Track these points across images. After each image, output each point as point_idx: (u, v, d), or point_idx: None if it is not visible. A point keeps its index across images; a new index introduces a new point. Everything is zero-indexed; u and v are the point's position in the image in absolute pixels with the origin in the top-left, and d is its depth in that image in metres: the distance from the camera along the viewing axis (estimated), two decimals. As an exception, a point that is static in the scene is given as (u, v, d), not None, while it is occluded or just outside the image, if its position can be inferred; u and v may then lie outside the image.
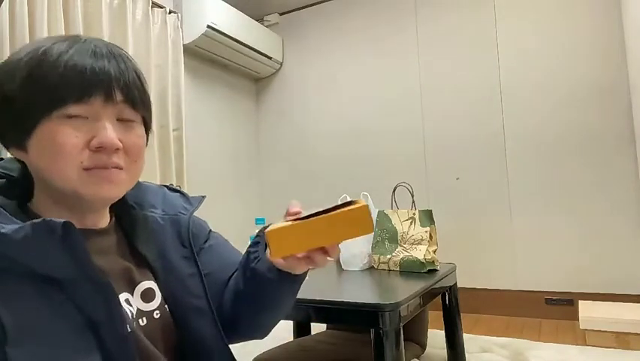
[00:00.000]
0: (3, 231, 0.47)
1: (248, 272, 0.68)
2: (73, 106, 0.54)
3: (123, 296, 0.59)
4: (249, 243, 0.72)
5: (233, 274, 0.74)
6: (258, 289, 0.68)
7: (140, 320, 0.60)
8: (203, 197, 0.77)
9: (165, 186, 0.77)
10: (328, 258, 0.61)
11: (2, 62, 0.57)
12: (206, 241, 0.76)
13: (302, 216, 0.55)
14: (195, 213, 0.76)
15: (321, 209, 0.55)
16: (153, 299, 0.64)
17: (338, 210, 0.54)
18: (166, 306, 0.65)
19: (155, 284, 0.65)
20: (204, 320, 0.66)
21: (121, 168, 0.57)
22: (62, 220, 0.48)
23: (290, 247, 0.55)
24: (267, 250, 0.64)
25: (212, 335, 0.66)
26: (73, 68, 0.53)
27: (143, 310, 0.62)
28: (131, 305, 0.60)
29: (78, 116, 0.54)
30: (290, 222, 0.55)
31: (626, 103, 2.65)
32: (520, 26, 2.95)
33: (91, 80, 0.54)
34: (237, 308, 0.71)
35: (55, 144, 0.53)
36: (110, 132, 0.55)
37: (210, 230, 0.79)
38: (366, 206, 0.54)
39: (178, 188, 0.78)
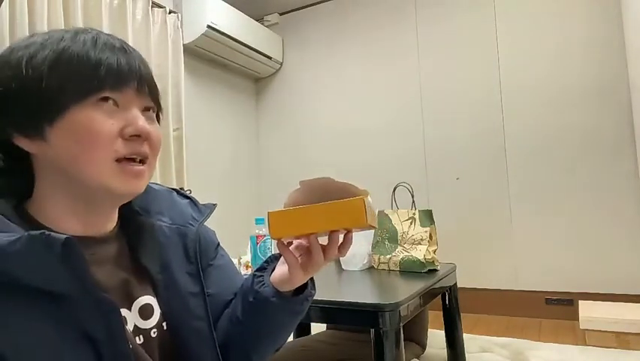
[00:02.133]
0: None
1: (251, 296, 0.65)
2: (108, 93, 0.52)
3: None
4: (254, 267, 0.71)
5: (232, 300, 0.71)
6: (259, 314, 0.65)
7: (137, 338, 0.57)
8: (214, 205, 0.73)
9: (175, 190, 0.73)
10: (325, 258, 0.61)
11: (10, 48, 0.53)
12: (214, 258, 0.72)
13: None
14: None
15: (344, 182, 0.59)
16: (151, 316, 0.59)
17: (336, 200, 0.57)
18: (164, 324, 0.61)
19: (155, 300, 0.61)
20: (204, 343, 0.62)
21: (147, 160, 0.56)
22: (63, 236, 0.44)
23: (289, 229, 0.58)
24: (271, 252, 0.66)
25: (211, 358, 0.63)
26: (107, 57, 0.53)
27: (140, 328, 0.58)
28: (127, 322, 0.56)
29: (111, 103, 0.53)
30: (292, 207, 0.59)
31: (626, 103, 2.65)
32: (520, 26, 2.95)
33: (124, 69, 0.54)
34: (231, 336, 0.67)
35: (90, 131, 0.51)
36: (143, 121, 0.55)
37: (218, 244, 0.75)
38: (362, 199, 0.57)
39: (188, 194, 0.73)
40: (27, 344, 0.44)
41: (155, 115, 0.60)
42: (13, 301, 0.45)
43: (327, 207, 0.57)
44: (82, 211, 0.56)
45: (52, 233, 0.44)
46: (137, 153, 0.54)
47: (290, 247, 0.63)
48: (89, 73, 0.51)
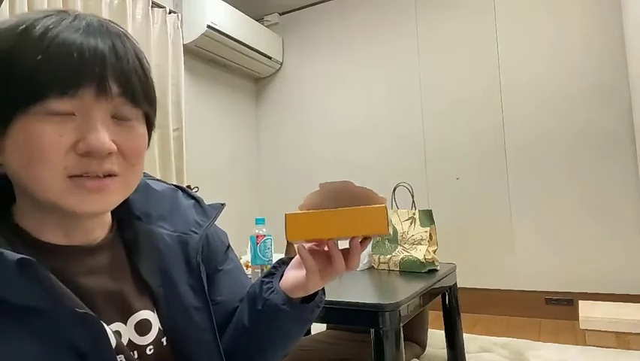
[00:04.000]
0: None
1: (260, 304, 0.62)
2: (56, 101, 0.43)
3: (114, 327, 0.51)
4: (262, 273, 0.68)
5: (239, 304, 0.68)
6: (268, 322, 0.62)
7: (132, 353, 0.52)
8: (222, 205, 0.67)
9: (181, 189, 0.67)
10: (346, 266, 0.59)
11: None
12: (223, 262, 0.68)
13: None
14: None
15: (351, 182, 0.57)
16: (148, 332, 0.54)
17: (357, 206, 0.56)
18: (164, 340, 0.56)
19: (154, 315, 0.56)
20: (210, 355, 0.58)
21: (115, 175, 0.48)
22: (17, 256, 0.40)
23: (305, 232, 0.57)
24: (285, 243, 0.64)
25: None
26: (56, 51, 0.43)
27: (135, 343, 0.53)
28: (121, 337, 0.51)
29: (62, 113, 0.44)
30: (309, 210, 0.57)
31: (626, 103, 2.64)
32: (519, 27, 2.95)
33: (79, 66, 0.44)
34: (237, 343, 0.64)
35: (32, 146, 0.43)
36: (102, 134, 0.45)
37: (228, 246, 0.71)
38: (384, 207, 0.55)
39: (194, 194, 0.67)
40: (10, 357, 0.41)
41: (137, 119, 0.50)
42: None
43: (348, 212, 0.56)
44: (59, 222, 0.50)
45: (4, 252, 0.40)
46: (92, 172, 0.46)
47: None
48: (30, 77, 0.43)
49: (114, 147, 0.46)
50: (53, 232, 0.50)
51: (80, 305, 0.44)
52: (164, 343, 0.56)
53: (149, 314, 0.55)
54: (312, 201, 0.58)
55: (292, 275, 0.62)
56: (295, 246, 0.60)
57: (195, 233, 0.62)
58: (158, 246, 0.59)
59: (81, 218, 0.50)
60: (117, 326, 0.51)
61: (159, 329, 0.56)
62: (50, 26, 0.44)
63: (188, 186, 0.71)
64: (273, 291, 0.62)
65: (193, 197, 0.67)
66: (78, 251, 0.51)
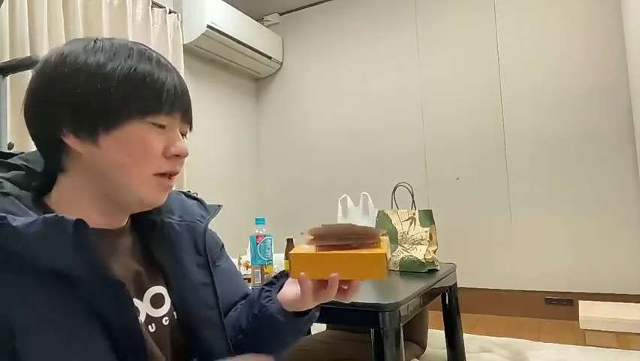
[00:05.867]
0: (14, 224, 0.46)
1: (256, 309, 0.68)
2: (163, 117, 0.58)
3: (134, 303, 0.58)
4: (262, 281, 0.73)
5: (235, 304, 0.74)
6: (262, 328, 0.67)
7: (149, 326, 0.60)
8: (220, 206, 0.77)
9: (183, 192, 0.77)
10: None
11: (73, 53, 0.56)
12: (219, 259, 0.75)
13: (325, 243, 0.62)
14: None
15: (347, 225, 0.62)
16: (162, 305, 0.63)
17: (358, 251, 0.60)
18: (175, 313, 0.64)
19: (165, 290, 0.64)
20: (214, 331, 0.65)
21: (174, 177, 0.62)
22: (74, 218, 0.48)
23: (309, 271, 0.61)
24: (284, 280, 0.70)
25: (222, 347, 0.65)
26: (167, 85, 0.57)
27: (152, 317, 0.61)
28: (139, 312, 0.59)
29: (161, 126, 0.58)
30: (313, 251, 0.62)
31: (626, 103, 2.64)
32: (520, 27, 2.95)
33: (178, 97, 0.59)
34: (234, 343, 0.68)
35: (143, 146, 0.56)
36: (184, 143, 0.61)
37: (222, 246, 0.78)
38: (384, 255, 0.58)
39: (196, 195, 0.78)
40: (36, 318, 0.46)
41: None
42: (25, 280, 0.48)
43: (349, 256, 0.59)
44: (106, 209, 0.59)
45: (65, 215, 0.48)
46: (175, 171, 0.61)
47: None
48: (154, 95, 0.56)
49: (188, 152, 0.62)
50: (92, 215, 0.57)
51: (113, 274, 0.52)
52: (175, 316, 0.64)
53: (161, 289, 0.64)
54: (313, 240, 0.62)
55: (290, 291, 0.67)
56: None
57: (200, 222, 0.72)
58: (169, 233, 0.68)
59: (142, 207, 0.61)
60: (136, 302, 0.59)
61: (171, 303, 0.64)
62: (152, 64, 0.58)
63: (189, 191, 0.79)
64: (271, 300, 0.68)
65: (195, 198, 0.77)
66: (108, 233, 0.60)
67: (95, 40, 0.57)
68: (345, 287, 0.64)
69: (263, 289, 0.70)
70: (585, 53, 2.76)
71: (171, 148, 0.59)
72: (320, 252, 0.61)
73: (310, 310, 0.68)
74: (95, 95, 0.53)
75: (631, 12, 2.48)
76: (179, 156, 0.60)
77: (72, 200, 0.58)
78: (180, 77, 0.61)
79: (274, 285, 0.71)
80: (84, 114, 0.54)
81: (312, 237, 0.63)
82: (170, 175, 0.60)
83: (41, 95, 0.56)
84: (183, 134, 0.63)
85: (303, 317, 0.68)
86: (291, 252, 0.62)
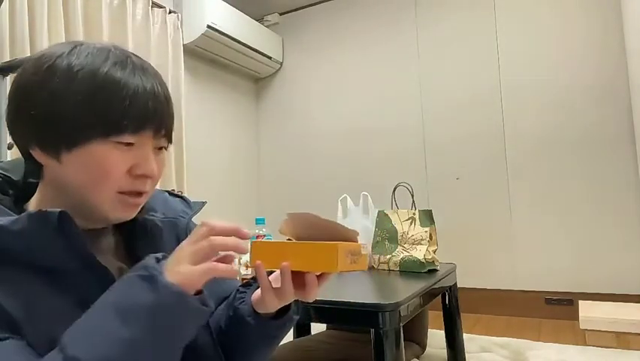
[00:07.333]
0: (0, 223, 0.48)
1: (231, 311, 0.67)
2: (129, 135, 0.55)
3: None
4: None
5: (225, 300, 0.72)
6: (235, 330, 0.66)
7: None
8: (204, 203, 0.76)
9: (167, 191, 0.77)
10: (305, 296, 0.60)
11: (38, 62, 0.55)
12: None
13: (299, 232, 0.61)
14: (196, 215, 0.74)
15: (336, 223, 0.60)
16: None
17: (311, 242, 0.58)
18: None
19: None
20: (200, 330, 0.62)
21: (147, 193, 0.60)
22: (57, 210, 0.49)
23: (266, 260, 0.59)
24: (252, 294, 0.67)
25: (208, 347, 0.64)
26: (135, 101, 0.54)
27: None
28: None
29: (130, 143, 0.55)
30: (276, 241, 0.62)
31: (626, 103, 2.65)
32: (519, 27, 2.95)
33: (148, 115, 0.56)
34: (220, 344, 0.67)
35: (103, 168, 0.54)
36: (154, 164, 0.58)
37: None
38: (336, 245, 0.56)
39: (180, 193, 0.77)
40: (36, 310, 0.48)
41: (166, 146, 0.63)
42: (20, 275, 0.49)
43: (302, 246, 0.58)
44: (82, 214, 0.58)
45: (48, 209, 0.49)
46: (138, 191, 0.58)
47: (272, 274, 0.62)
48: (119, 113, 0.53)
49: (158, 171, 0.59)
50: (77, 221, 0.56)
51: (99, 262, 0.53)
52: None
53: None
54: (288, 228, 0.61)
55: (258, 291, 0.64)
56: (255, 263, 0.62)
57: (183, 218, 0.72)
58: (151, 230, 0.67)
59: (110, 223, 0.61)
60: None
61: None
62: (126, 77, 0.55)
63: (173, 190, 0.78)
64: (243, 301, 0.66)
65: (178, 196, 0.77)
66: (90, 232, 0.60)
67: (72, 48, 0.55)
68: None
69: (238, 290, 0.68)
70: (585, 53, 2.76)
71: (137, 168, 0.56)
72: (277, 241, 0.60)
73: (286, 313, 0.65)
74: (58, 114, 0.53)
75: (631, 11, 2.48)
76: (144, 177, 0.57)
77: (49, 206, 0.57)
78: (160, 85, 0.59)
79: (251, 286, 0.68)
80: (47, 133, 0.54)
81: (288, 224, 0.61)
82: (137, 193, 0.58)
83: (13, 107, 0.56)
84: (160, 149, 0.61)
85: (275, 321, 0.64)
86: (252, 240, 0.60)
